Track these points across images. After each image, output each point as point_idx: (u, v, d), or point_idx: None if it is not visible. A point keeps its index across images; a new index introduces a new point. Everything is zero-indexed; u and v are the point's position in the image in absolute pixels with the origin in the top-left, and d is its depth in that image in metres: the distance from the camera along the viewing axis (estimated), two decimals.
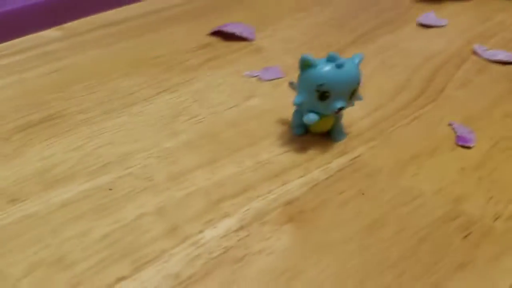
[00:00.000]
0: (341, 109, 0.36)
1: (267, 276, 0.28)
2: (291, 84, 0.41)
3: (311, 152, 0.38)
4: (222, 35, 0.56)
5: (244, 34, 0.56)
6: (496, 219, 0.33)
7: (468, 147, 0.39)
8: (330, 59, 0.36)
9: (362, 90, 0.46)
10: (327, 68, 0.36)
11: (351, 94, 0.37)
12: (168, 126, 0.41)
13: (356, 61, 0.37)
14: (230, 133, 0.40)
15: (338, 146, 0.39)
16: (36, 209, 0.33)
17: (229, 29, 0.56)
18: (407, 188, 0.35)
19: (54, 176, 0.36)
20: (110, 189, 0.34)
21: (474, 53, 0.54)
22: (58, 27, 0.57)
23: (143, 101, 0.44)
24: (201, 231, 0.31)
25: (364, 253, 0.30)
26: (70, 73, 0.48)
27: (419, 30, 0.60)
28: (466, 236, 0.31)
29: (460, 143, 0.39)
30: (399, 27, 0.60)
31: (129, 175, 0.35)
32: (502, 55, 0.52)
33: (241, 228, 0.31)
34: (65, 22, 0.57)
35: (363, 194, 0.34)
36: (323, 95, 0.36)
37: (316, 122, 0.38)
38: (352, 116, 0.43)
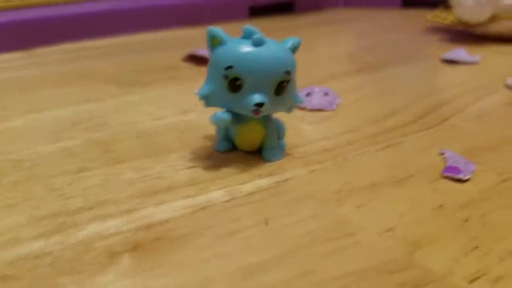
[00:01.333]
0: (259, 105, 0.25)
1: None
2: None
3: (225, 171, 0.27)
4: (197, 61, 0.48)
5: None
6: (474, 280, 0.19)
7: (459, 180, 0.26)
8: (246, 34, 0.26)
9: (337, 114, 0.35)
10: (240, 46, 0.26)
11: (277, 89, 0.26)
12: (58, 133, 0.31)
13: (288, 44, 0.27)
14: (128, 144, 0.30)
15: (268, 167, 0.28)
16: None
17: (203, 53, 0.48)
18: (340, 221, 0.23)
19: None
20: None
21: (508, 87, 0.41)
22: (26, 51, 0.52)
23: (50, 109, 0.35)
24: None
25: None
26: (7, 84, 0.41)
27: (441, 65, 0.48)
28: None
29: (447, 174, 0.27)
30: (416, 61, 0.49)
31: None
32: None
33: (48, 254, 0.20)
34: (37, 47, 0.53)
35: (267, 224, 0.22)
36: (234, 84, 0.26)
37: (238, 130, 0.28)
38: (307, 137, 0.32)
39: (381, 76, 0.44)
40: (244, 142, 0.29)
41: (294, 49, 0.27)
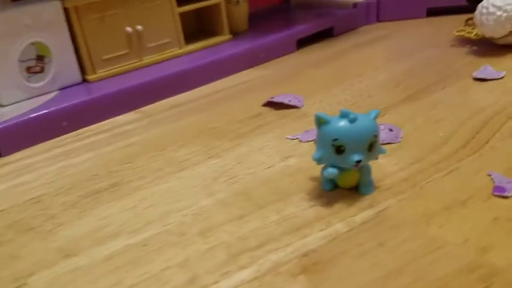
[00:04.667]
0: (359, 162, 0.37)
1: None
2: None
3: (337, 206, 0.39)
4: (273, 105, 0.60)
5: (293, 103, 0.59)
6: None
7: (506, 197, 0.37)
8: (343, 115, 0.38)
9: (402, 146, 0.47)
10: (340, 123, 0.37)
11: (369, 147, 0.37)
12: (208, 187, 0.44)
13: (372, 116, 0.38)
14: (261, 191, 0.42)
15: (366, 200, 0.39)
16: (83, 263, 0.37)
17: (279, 99, 0.59)
18: (431, 239, 0.34)
19: (104, 234, 0.40)
20: (145, 245, 0.37)
21: None
22: (137, 110, 0.64)
23: (191, 166, 0.48)
24: (216, 282, 0.33)
25: None
26: (137, 147, 0.54)
27: (474, 84, 0.59)
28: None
29: (496, 193, 0.38)
30: (453, 83, 0.60)
31: (165, 231, 0.39)
32: None
33: (255, 279, 0.33)
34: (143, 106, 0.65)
35: (382, 245, 0.34)
36: (339, 149, 0.37)
37: (341, 176, 0.40)
38: (386, 170, 0.43)
39: (427, 103, 0.55)
40: (345, 183, 0.40)
41: (375, 117, 0.38)
